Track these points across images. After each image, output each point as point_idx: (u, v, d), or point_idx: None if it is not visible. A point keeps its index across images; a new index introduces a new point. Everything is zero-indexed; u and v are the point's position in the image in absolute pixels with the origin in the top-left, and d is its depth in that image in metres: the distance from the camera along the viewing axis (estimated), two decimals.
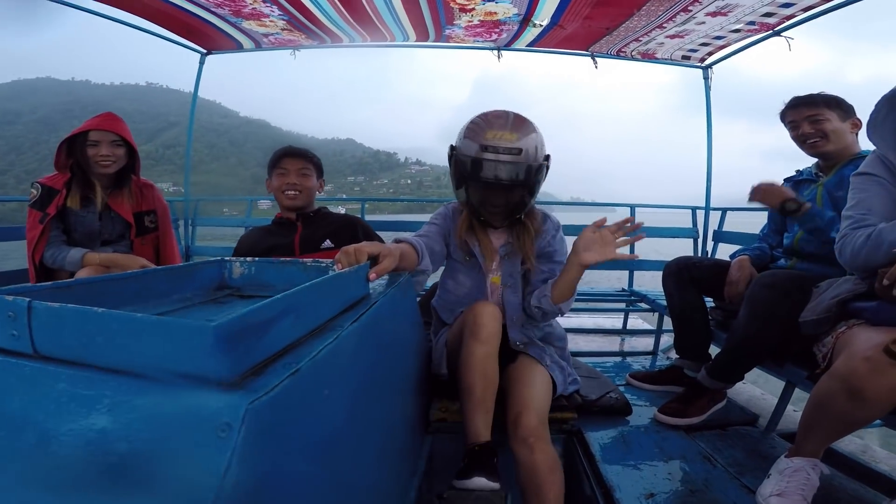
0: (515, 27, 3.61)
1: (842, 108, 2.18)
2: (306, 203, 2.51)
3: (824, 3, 2.91)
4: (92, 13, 3.39)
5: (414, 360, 1.70)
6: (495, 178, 1.76)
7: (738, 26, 3.31)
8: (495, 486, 1.44)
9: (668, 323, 2.73)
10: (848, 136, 2.18)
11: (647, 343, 3.68)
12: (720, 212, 4.16)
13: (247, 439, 0.58)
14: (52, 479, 0.61)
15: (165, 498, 0.57)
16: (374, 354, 1.15)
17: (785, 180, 2.48)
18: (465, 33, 3.81)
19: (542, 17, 3.37)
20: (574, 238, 1.77)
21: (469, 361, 1.63)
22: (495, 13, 3.37)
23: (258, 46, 4.21)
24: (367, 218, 4.08)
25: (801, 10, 3.02)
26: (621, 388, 2.54)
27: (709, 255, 4.07)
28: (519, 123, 1.79)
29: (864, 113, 1.66)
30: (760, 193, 2.18)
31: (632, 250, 4.25)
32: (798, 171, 2.43)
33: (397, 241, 1.76)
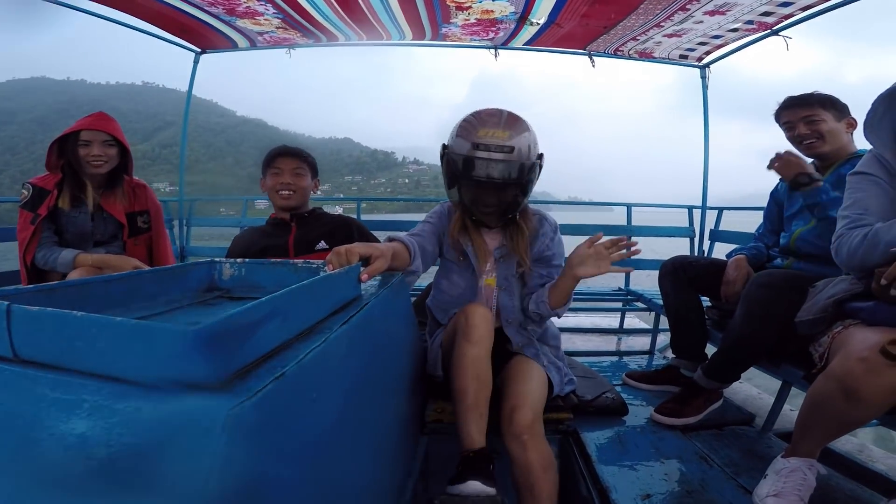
0: (512, 25, 3.60)
1: (836, 107, 2.17)
2: (301, 203, 2.50)
3: (822, 2, 2.90)
4: (87, 13, 3.37)
5: (408, 360, 1.69)
6: (487, 176, 1.74)
7: (736, 25, 3.30)
8: (491, 490, 1.41)
9: (664, 322, 2.73)
10: (843, 136, 2.17)
11: (643, 342, 3.68)
12: (717, 211, 4.16)
13: (229, 444, 0.58)
14: (32, 483, 0.61)
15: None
16: (366, 356, 1.13)
17: (781, 180, 2.46)
18: (461, 32, 3.80)
19: (539, 15, 3.36)
20: (572, 237, 1.76)
21: (461, 363, 1.61)
22: (492, 11, 3.36)
23: (253, 45, 4.20)
24: (365, 217, 4.07)
25: (800, 9, 3.01)
26: (618, 388, 2.53)
27: (705, 255, 4.07)
28: (511, 122, 1.77)
29: (862, 113, 1.65)
30: (780, 161, 2.14)
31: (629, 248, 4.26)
32: None
33: (390, 238, 1.75)
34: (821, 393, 1.42)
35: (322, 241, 2.41)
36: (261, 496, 0.64)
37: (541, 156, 1.84)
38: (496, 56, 4.18)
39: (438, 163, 1.91)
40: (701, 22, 3.26)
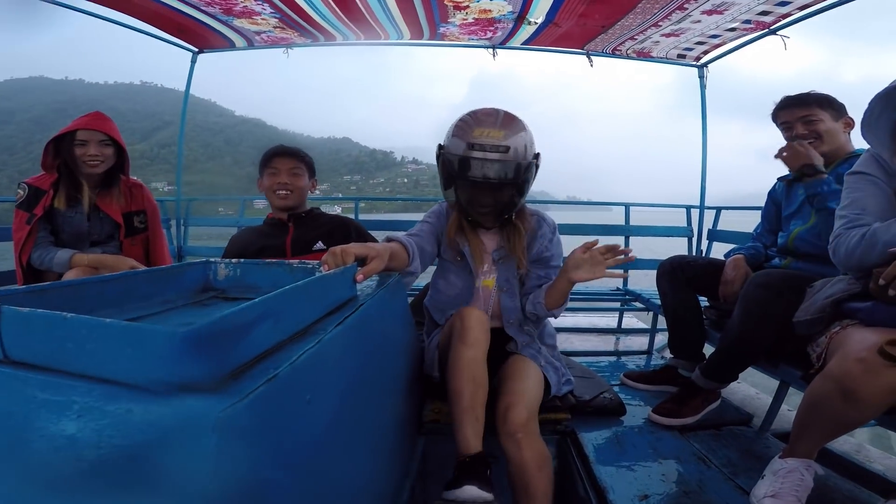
0: (510, 25, 3.60)
1: (833, 107, 2.17)
2: (298, 203, 2.49)
3: (819, 1, 2.90)
4: (83, 13, 3.37)
5: (405, 361, 1.68)
6: (483, 176, 1.73)
7: (733, 25, 3.30)
8: (488, 496, 1.39)
9: (662, 322, 2.72)
10: (841, 135, 2.16)
11: (641, 342, 3.67)
12: (714, 211, 4.16)
13: (220, 447, 0.58)
14: (22, 484, 0.61)
15: None
16: (361, 357, 1.13)
17: (778, 179, 2.46)
18: (459, 31, 3.79)
19: (537, 14, 3.36)
20: (571, 237, 1.75)
21: (457, 366, 1.60)
22: (490, 11, 3.35)
23: (251, 45, 4.19)
24: (364, 217, 4.07)
25: (797, 8, 3.00)
26: (616, 388, 2.53)
27: (703, 254, 4.07)
28: (507, 121, 1.76)
29: (860, 112, 1.65)
30: (789, 151, 2.12)
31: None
32: None
33: (389, 239, 1.74)
34: (818, 393, 1.42)
35: (319, 242, 2.40)
36: (253, 498, 0.63)
37: (537, 155, 1.83)
38: (494, 56, 4.18)
39: (436, 163, 1.90)
40: (699, 21, 3.26)
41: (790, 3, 2.93)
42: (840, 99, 2.18)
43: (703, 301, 2.55)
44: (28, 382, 0.64)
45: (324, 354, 0.86)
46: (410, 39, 4.03)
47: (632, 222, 4.32)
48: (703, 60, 4.14)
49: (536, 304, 1.86)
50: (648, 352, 3.44)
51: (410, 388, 1.74)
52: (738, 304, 2.03)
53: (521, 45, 4.09)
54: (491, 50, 4.13)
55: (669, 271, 2.50)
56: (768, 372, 2.10)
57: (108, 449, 0.57)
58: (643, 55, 4.11)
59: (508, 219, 1.90)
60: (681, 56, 4.07)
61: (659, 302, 2.67)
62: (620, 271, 1.69)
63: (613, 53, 4.12)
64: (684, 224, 4.31)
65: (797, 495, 1.46)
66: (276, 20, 3.57)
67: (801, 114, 2.18)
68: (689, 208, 4.34)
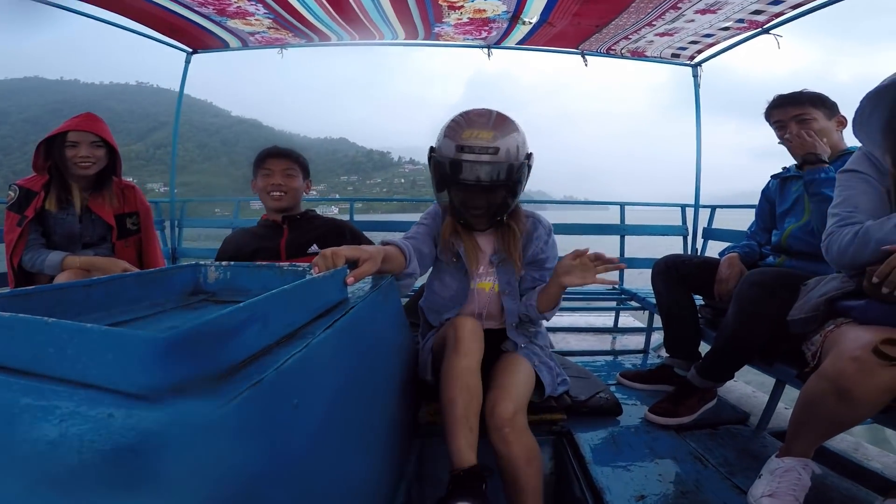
0: (505, 25, 3.60)
1: (826, 105, 2.17)
2: (292, 204, 2.48)
3: (812, 0, 2.89)
4: (76, 13, 3.35)
5: (399, 363, 1.67)
6: (473, 179, 1.72)
7: (727, 24, 3.31)
8: None
9: (658, 321, 2.72)
10: (834, 134, 2.16)
11: (638, 341, 3.67)
12: (709, 209, 4.16)
13: (201, 452, 0.57)
14: (3, 487, 0.59)
15: None
16: (352, 359, 1.12)
17: (772, 177, 2.46)
18: (454, 31, 3.79)
19: (531, 14, 3.36)
20: (567, 237, 1.74)
21: (450, 375, 1.59)
22: (484, 10, 3.35)
23: (245, 45, 4.18)
24: (361, 218, 4.07)
25: (790, 7, 3.01)
26: (612, 388, 2.52)
27: (698, 253, 4.07)
28: (498, 122, 1.75)
29: (853, 111, 1.65)
30: (796, 139, 2.12)
31: (622, 248, 4.26)
32: (785, 168, 2.42)
33: (384, 243, 1.73)
34: (813, 393, 1.41)
35: (314, 245, 2.39)
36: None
37: (529, 156, 1.82)
38: (489, 55, 4.17)
39: (428, 165, 1.89)
40: (692, 21, 3.26)
41: (783, 2, 2.94)
42: (833, 98, 2.18)
43: (699, 300, 2.55)
44: (10, 387, 0.63)
45: (312, 358, 0.85)
46: (405, 39, 4.03)
47: (628, 221, 4.32)
48: (696, 60, 4.15)
49: (529, 306, 1.85)
50: (645, 351, 3.44)
51: (405, 390, 1.73)
52: (733, 302, 2.03)
53: (516, 45, 4.09)
54: (486, 50, 4.13)
55: (664, 270, 2.50)
56: (763, 370, 2.09)
57: (90, 454, 0.56)
58: (637, 55, 4.12)
59: (502, 220, 1.89)
60: (675, 55, 4.08)
61: (655, 301, 2.67)
62: (614, 277, 1.68)
63: (608, 53, 4.12)
64: (679, 223, 4.31)
65: (794, 494, 1.46)
66: (270, 21, 3.56)
67: (795, 112, 2.18)
68: (684, 207, 4.34)
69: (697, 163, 4.40)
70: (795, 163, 2.25)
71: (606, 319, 4.33)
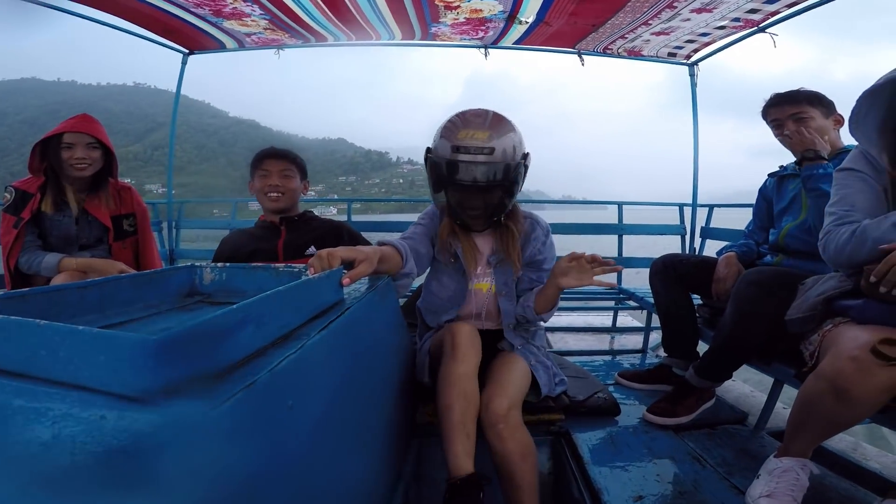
0: (501, 24, 3.59)
1: (823, 104, 2.16)
2: (289, 205, 2.47)
3: None
4: (70, 13, 3.34)
5: (396, 363, 1.67)
6: (469, 179, 1.72)
7: (723, 23, 3.30)
8: None
9: (657, 321, 2.72)
10: (831, 132, 2.16)
11: (636, 341, 3.66)
12: (707, 208, 4.16)
13: (194, 455, 0.57)
14: None
15: None
16: (348, 360, 1.12)
17: (769, 175, 2.46)
18: (451, 31, 3.79)
19: (528, 14, 3.36)
20: (565, 236, 1.73)
21: (447, 381, 1.59)
22: (480, 10, 3.35)
23: (241, 46, 4.18)
24: (359, 218, 4.06)
25: (786, 6, 3.01)
26: (610, 388, 2.52)
27: (696, 252, 4.07)
28: (495, 123, 1.75)
29: (850, 110, 1.65)
30: (797, 135, 2.12)
31: (620, 248, 4.26)
32: (782, 167, 2.41)
33: (381, 243, 1.73)
34: (812, 393, 1.41)
35: (312, 246, 2.38)
36: None
37: (525, 156, 1.81)
38: (486, 55, 4.17)
39: (424, 166, 1.89)
40: (688, 19, 3.26)
41: (778, 0, 2.93)
42: (831, 97, 2.18)
43: (697, 299, 2.55)
44: (3, 389, 0.63)
45: (307, 359, 0.85)
46: (402, 40, 4.02)
47: (626, 220, 4.31)
48: (693, 59, 4.15)
49: (526, 307, 1.85)
50: (643, 350, 3.43)
51: (402, 390, 1.73)
52: (730, 302, 2.03)
53: (513, 44, 4.09)
54: (483, 50, 4.13)
55: (662, 270, 2.50)
56: (762, 370, 2.09)
57: (82, 455, 0.56)
58: (634, 54, 4.12)
59: (499, 221, 1.88)
60: (671, 54, 4.08)
61: (653, 300, 2.67)
62: (611, 279, 1.66)
63: (605, 52, 4.12)
64: (677, 222, 4.31)
65: (792, 495, 1.45)
66: (266, 22, 3.56)
67: (792, 111, 2.17)
68: (681, 206, 4.34)
69: (695, 162, 4.40)
70: (792, 161, 2.25)
71: (605, 319, 4.33)
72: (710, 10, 3.09)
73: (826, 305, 1.59)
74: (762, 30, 3.32)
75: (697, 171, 4.38)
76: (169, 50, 4.16)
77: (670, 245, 3.99)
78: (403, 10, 3.35)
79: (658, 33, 3.55)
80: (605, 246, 4.26)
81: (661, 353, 2.89)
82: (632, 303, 3.75)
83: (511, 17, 3.42)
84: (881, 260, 1.35)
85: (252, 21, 3.55)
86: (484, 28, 3.69)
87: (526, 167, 1.81)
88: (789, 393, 1.93)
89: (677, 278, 2.45)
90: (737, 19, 3.23)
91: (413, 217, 2.07)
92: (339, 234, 2.48)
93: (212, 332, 0.68)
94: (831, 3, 2.87)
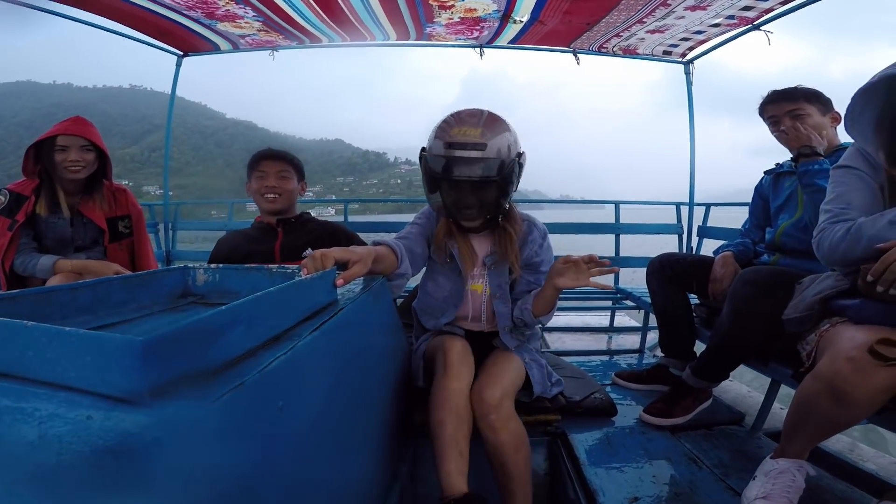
0: (496, 24, 3.58)
1: (821, 101, 2.16)
2: (286, 206, 2.47)
3: None
4: (62, 16, 3.32)
5: (391, 364, 1.66)
6: (461, 174, 1.71)
7: (717, 20, 3.30)
8: None
9: (654, 320, 2.71)
10: (828, 130, 2.15)
11: (634, 341, 3.66)
12: (704, 207, 4.15)
13: (180, 456, 0.58)
14: None
15: None
16: (341, 362, 1.11)
17: (765, 173, 2.46)
18: (446, 31, 3.78)
19: (522, 13, 3.35)
20: (562, 236, 1.72)
21: (439, 397, 1.59)
22: (475, 10, 3.34)
23: (236, 48, 4.17)
24: (357, 219, 4.05)
25: (780, 3, 3.00)
26: (607, 388, 2.51)
27: (693, 251, 4.07)
28: (489, 121, 1.74)
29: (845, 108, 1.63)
30: (791, 131, 2.11)
31: (617, 247, 4.26)
32: (778, 164, 2.41)
33: (376, 243, 1.72)
34: (809, 394, 1.40)
35: (309, 249, 2.38)
36: None
37: (520, 154, 1.80)
38: (482, 55, 4.17)
39: (419, 166, 1.88)
40: (682, 17, 3.25)
41: None
42: (827, 95, 2.17)
43: (693, 299, 2.54)
44: None
45: (298, 360, 0.85)
46: (397, 40, 4.01)
47: (624, 220, 4.31)
48: (688, 57, 4.14)
49: (524, 310, 1.84)
50: (640, 350, 3.43)
51: (398, 391, 1.73)
52: (727, 301, 2.02)
53: (508, 44, 4.08)
54: (478, 49, 4.12)
55: (659, 269, 2.49)
56: (758, 370, 2.08)
57: (68, 455, 0.56)
58: (629, 52, 4.11)
59: (495, 220, 1.87)
60: (666, 53, 4.07)
61: (650, 300, 2.66)
62: (607, 280, 1.66)
63: (600, 51, 4.11)
64: (674, 221, 4.31)
65: (789, 497, 1.45)
66: (260, 23, 3.55)
67: (789, 107, 2.17)
68: (678, 205, 4.34)
69: (691, 161, 4.40)
70: (789, 158, 2.24)
71: (602, 319, 4.33)
72: (704, 8, 3.09)
73: (823, 305, 1.59)
74: (757, 27, 3.31)
75: (694, 169, 4.38)
76: (164, 52, 4.15)
77: (667, 244, 3.99)
78: (397, 11, 3.34)
79: (653, 31, 3.55)
80: (602, 245, 4.26)
81: (659, 353, 2.89)
82: (629, 302, 3.75)
83: (505, 17, 3.41)
84: (877, 259, 1.34)
85: (245, 23, 3.54)
86: (479, 28, 3.68)
87: (521, 165, 1.80)
88: (787, 393, 1.92)
89: (674, 278, 2.45)
90: (731, 17, 3.22)
91: (410, 217, 2.07)
92: (336, 237, 2.47)
93: (200, 333, 0.67)
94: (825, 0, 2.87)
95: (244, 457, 0.68)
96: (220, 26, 3.59)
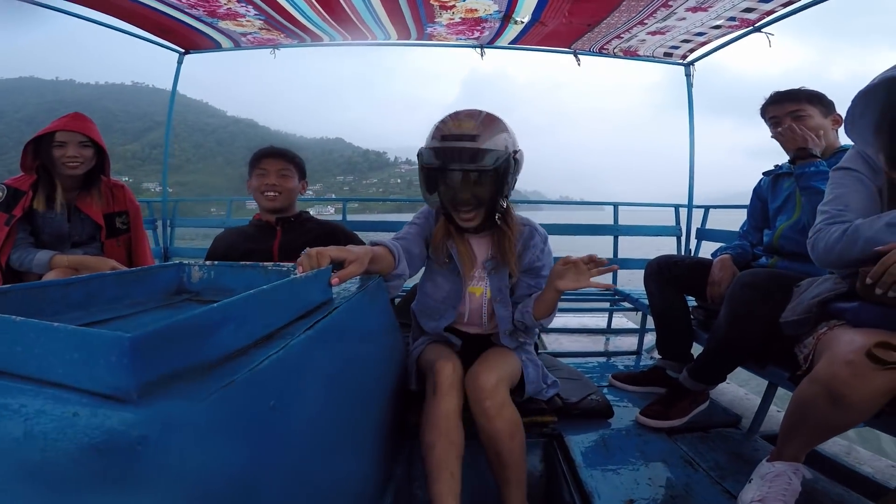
0: (497, 24, 3.58)
1: (823, 103, 2.15)
2: (286, 205, 2.46)
3: None
4: (64, 12, 3.32)
5: (387, 365, 1.66)
6: (454, 164, 1.70)
7: (718, 22, 3.29)
8: None
9: (651, 322, 2.71)
10: (829, 132, 2.15)
11: (631, 342, 3.66)
12: (703, 209, 4.15)
13: (167, 454, 0.57)
14: None
15: None
16: (336, 361, 1.11)
17: (764, 174, 2.45)
18: (447, 31, 3.77)
19: (523, 13, 3.34)
20: (561, 237, 1.71)
21: (429, 418, 1.59)
22: (476, 10, 3.33)
23: (237, 46, 4.16)
24: (356, 218, 4.04)
25: (781, 5, 2.99)
26: (604, 390, 2.51)
27: (692, 253, 4.06)
28: (486, 119, 1.73)
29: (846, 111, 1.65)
30: (787, 132, 2.10)
31: (616, 249, 4.25)
32: (777, 166, 2.40)
33: (374, 243, 1.71)
34: (806, 397, 1.39)
35: (307, 248, 2.37)
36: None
37: (516, 151, 1.78)
38: (482, 55, 4.16)
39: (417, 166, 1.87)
40: (683, 19, 3.24)
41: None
42: (829, 97, 2.17)
43: (691, 301, 2.54)
44: None
45: (291, 359, 0.84)
46: (398, 40, 4.01)
47: (623, 221, 4.30)
48: (689, 59, 4.13)
49: (525, 313, 1.83)
50: (638, 352, 3.43)
51: (393, 391, 1.72)
52: (725, 304, 2.02)
53: (509, 44, 4.07)
54: (479, 50, 4.12)
55: (656, 271, 2.49)
56: (756, 373, 2.08)
57: (54, 452, 0.56)
58: (630, 54, 4.10)
59: (493, 220, 1.85)
60: (667, 54, 4.06)
61: (647, 302, 2.65)
62: (608, 282, 1.66)
63: (600, 52, 4.10)
64: (673, 223, 4.30)
65: (784, 500, 1.44)
66: (262, 22, 3.54)
67: (791, 108, 2.16)
68: (677, 207, 4.33)
69: (691, 162, 4.39)
70: (788, 160, 2.24)
71: (600, 320, 4.33)
72: (705, 9, 3.08)
73: (821, 308, 1.58)
74: (758, 29, 3.30)
75: (693, 171, 4.37)
76: (165, 49, 4.14)
77: (666, 246, 3.98)
78: (398, 11, 3.33)
79: (654, 33, 3.54)
80: (600, 247, 4.26)
81: (656, 355, 2.88)
82: (627, 304, 3.75)
83: (506, 17, 3.41)
84: (875, 261, 1.34)
85: (247, 21, 3.53)
86: (479, 28, 3.67)
87: (516, 161, 1.78)
88: (784, 395, 1.92)
89: (672, 280, 2.44)
90: (732, 18, 3.22)
91: (410, 217, 2.06)
92: (335, 237, 2.46)
93: (190, 330, 0.67)
94: (826, 2, 2.86)
95: (234, 456, 0.68)
96: (222, 24, 3.58)
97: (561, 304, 1.97)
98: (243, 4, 3.22)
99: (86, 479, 0.55)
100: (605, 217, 4.51)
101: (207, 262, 1.38)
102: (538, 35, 3.77)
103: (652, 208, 5.48)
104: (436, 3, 3.21)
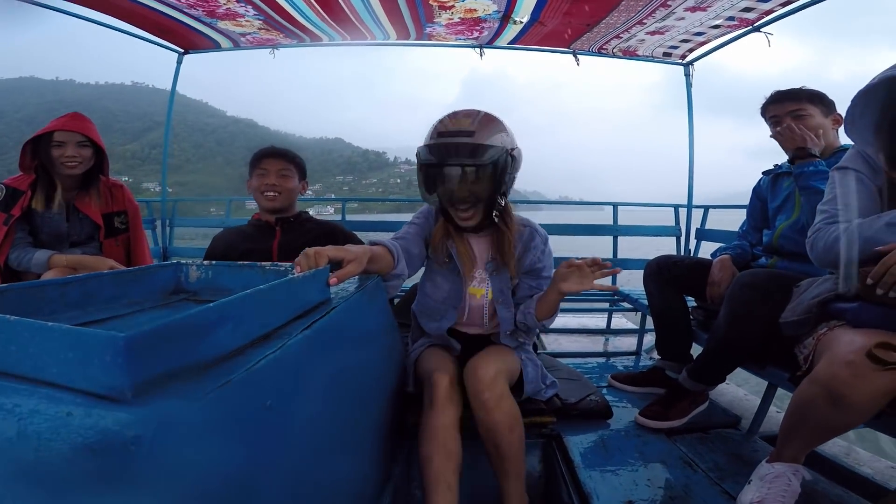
0: (496, 24, 3.58)
1: (824, 103, 2.14)
2: (285, 205, 2.45)
3: None
4: (62, 12, 3.31)
5: (385, 365, 1.65)
6: (451, 159, 1.70)
7: (717, 22, 3.29)
8: None
9: (651, 323, 2.70)
10: (830, 132, 2.14)
11: (631, 343, 3.66)
12: (702, 209, 4.14)
13: (162, 455, 0.57)
14: None
15: None
16: (333, 361, 1.10)
17: (763, 174, 2.45)
18: (446, 31, 3.77)
19: (522, 13, 3.34)
20: (562, 237, 1.71)
21: (427, 433, 1.58)
22: (475, 10, 3.33)
23: (236, 46, 4.16)
24: (356, 218, 4.04)
25: (780, 4, 2.99)
26: (603, 390, 2.51)
27: (691, 253, 4.06)
28: (484, 118, 1.73)
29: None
30: (785, 131, 2.10)
31: (615, 249, 4.25)
32: (776, 165, 2.40)
33: (372, 243, 1.71)
34: (806, 397, 1.39)
35: (306, 249, 2.36)
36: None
37: (514, 149, 1.78)
38: (482, 55, 4.16)
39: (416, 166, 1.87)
40: (682, 18, 3.24)
41: None
42: (829, 97, 2.17)
43: (691, 302, 2.53)
44: None
45: (288, 359, 0.84)
46: (397, 40, 4.01)
47: (622, 222, 4.30)
48: (688, 58, 4.13)
49: (527, 314, 1.83)
50: (637, 353, 3.43)
51: (392, 392, 1.71)
52: (724, 304, 2.01)
53: (508, 44, 4.07)
54: (478, 50, 4.11)
55: (656, 271, 2.48)
56: (755, 373, 2.07)
57: (47, 452, 0.55)
58: (629, 54, 4.10)
59: (491, 220, 1.84)
60: (666, 54, 4.06)
61: (647, 302, 2.65)
62: (610, 283, 1.66)
63: (600, 52, 4.10)
64: (673, 223, 4.30)
65: (784, 501, 1.44)
66: (261, 22, 3.54)
67: (791, 108, 2.15)
68: (677, 207, 4.32)
69: (690, 162, 4.38)
70: (787, 160, 2.24)
71: (599, 321, 4.33)
72: (704, 9, 3.08)
73: (821, 308, 1.57)
74: (757, 29, 3.30)
75: (693, 171, 4.37)
76: (165, 49, 4.14)
77: (666, 246, 3.98)
78: (397, 11, 3.33)
79: (653, 33, 3.54)
80: (600, 247, 4.25)
81: (655, 355, 2.88)
82: (626, 304, 3.74)
83: (505, 17, 3.41)
84: (875, 261, 1.33)
85: (246, 21, 3.53)
86: (479, 28, 3.67)
87: (514, 158, 1.77)
88: (783, 395, 1.91)
89: (671, 280, 2.44)
90: (731, 18, 3.21)
91: (410, 217, 2.05)
92: (334, 237, 2.45)
93: (186, 330, 0.67)
94: (826, 2, 2.86)
95: (230, 456, 0.68)
96: (221, 24, 3.58)
97: (561, 304, 1.97)
98: (242, 4, 3.22)
99: (80, 480, 0.55)
100: (604, 217, 4.50)
101: (205, 262, 1.38)
102: (537, 35, 3.77)
103: (651, 208, 5.48)
104: (435, 4, 3.21)
